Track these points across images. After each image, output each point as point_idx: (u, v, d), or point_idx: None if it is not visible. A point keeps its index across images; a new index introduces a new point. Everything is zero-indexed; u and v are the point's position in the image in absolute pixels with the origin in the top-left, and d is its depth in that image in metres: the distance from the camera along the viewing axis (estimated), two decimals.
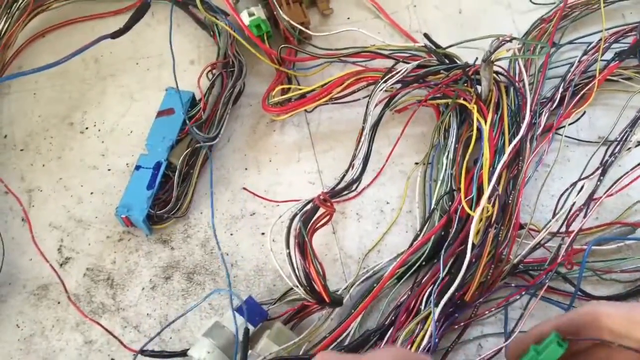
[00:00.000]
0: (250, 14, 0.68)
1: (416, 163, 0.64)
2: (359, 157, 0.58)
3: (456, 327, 0.54)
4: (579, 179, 0.56)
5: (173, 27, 0.59)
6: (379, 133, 0.60)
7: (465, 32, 0.72)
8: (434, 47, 0.66)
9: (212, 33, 0.71)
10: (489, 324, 0.56)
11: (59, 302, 0.57)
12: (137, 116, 0.67)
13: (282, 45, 0.67)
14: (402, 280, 0.57)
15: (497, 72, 0.61)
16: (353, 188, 0.57)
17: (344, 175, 0.58)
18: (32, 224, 0.57)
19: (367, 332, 0.53)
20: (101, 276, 0.59)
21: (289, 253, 0.48)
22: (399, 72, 0.60)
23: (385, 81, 0.60)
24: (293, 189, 0.63)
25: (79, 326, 0.56)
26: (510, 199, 0.56)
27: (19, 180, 0.63)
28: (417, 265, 0.56)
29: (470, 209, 0.54)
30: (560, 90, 0.64)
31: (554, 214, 0.56)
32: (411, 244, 0.58)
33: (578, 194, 0.55)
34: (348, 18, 0.75)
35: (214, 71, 0.66)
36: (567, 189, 0.56)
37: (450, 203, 0.58)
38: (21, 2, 0.69)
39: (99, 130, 0.66)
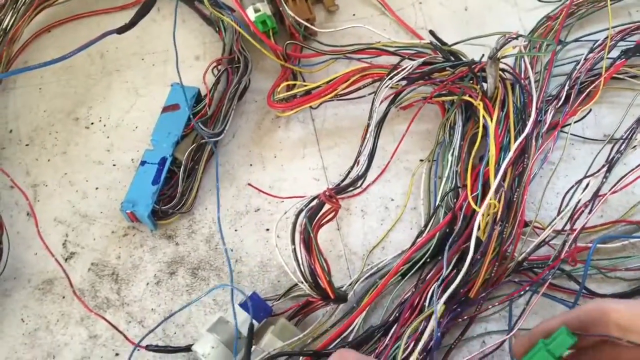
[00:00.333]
0: (256, 10, 0.68)
1: (421, 160, 0.64)
2: (364, 154, 0.58)
3: (460, 320, 0.54)
4: (584, 177, 0.56)
5: (178, 23, 0.60)
6: (384, 130, 0.60)
7: (471, 29, 0.72)
8: (439, 44, 0.66)
9: (217, 29, 0.71)
10: (493, 320, 0.56)
11: (63, 297, 0.57)
12: (142, 111, 0.67)
13: (288, 42, 0.67)
14: (406, 277, 0.57)
15: (503, 70, 0.61)
16: (358, 184, 0.57)
17: (349, 172, 0.58)
18: (37, 219, 0.58)
19: (371, 328, 0.53)
20: (106, 271, 0.59)
21: (295, 249, 0.48)
22: (404, 69, 0.60)
23: (390, 78, 0.60)
24: (298, 185, 0.63)
25: (83, 321, 0.56)
26: (516, 196, 0.56)
27: (24, 174, 0.64)
28: (421, 262, 0.56)
29: (476, 206, 0.53)
30: (566, 87, 0.64)
31: (559, 212, 0.56)
32: (415, 241, 0.58)
33: (583, 192, 0.55)
34: (353, 15, 0.74)
35: (219, 67, 0.66)
36: (572, 187, 0.56)
37: (455, 200, 0.58)
38: None
39: (105, 126, 0.67)
